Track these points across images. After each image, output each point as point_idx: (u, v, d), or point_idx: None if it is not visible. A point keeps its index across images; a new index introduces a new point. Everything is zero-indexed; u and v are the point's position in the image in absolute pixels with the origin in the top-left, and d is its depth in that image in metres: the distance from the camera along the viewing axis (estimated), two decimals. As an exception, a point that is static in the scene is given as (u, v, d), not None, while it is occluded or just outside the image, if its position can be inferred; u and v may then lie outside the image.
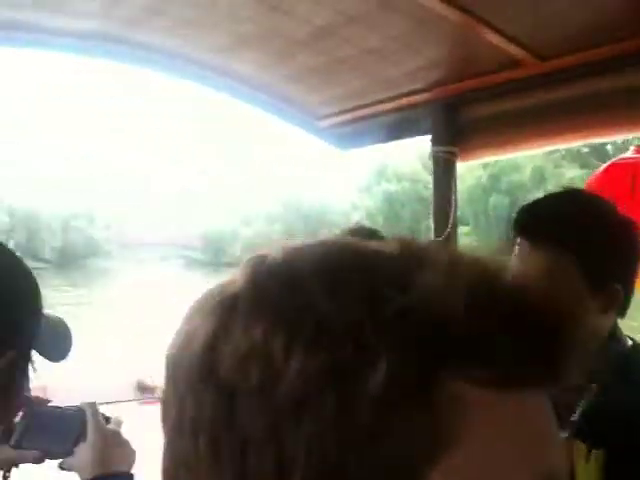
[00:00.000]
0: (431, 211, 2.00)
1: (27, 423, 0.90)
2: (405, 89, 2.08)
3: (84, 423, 0.92)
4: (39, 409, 0.92)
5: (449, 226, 1.91)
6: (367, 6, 1.74)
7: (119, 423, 0.97)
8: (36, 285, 0.75)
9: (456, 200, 1.95)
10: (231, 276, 0.38)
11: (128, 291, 31.06)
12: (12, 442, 0.85)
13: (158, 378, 2.94)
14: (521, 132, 1.94)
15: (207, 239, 64.08)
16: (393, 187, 50.23)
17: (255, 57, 2.13)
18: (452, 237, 1.93)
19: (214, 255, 61.97)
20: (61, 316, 1.04)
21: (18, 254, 0.79)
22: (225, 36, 2.05)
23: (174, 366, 0.37)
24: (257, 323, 0.33)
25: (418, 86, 2.04)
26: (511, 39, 1.78)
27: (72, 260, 51.43)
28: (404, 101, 2.11)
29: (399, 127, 2.26)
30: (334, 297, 0.33)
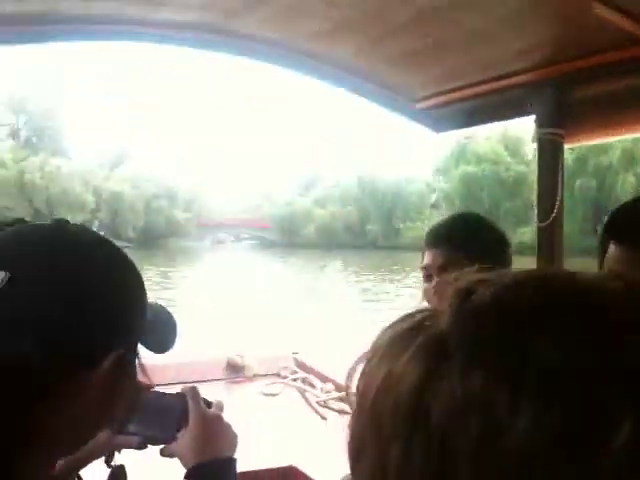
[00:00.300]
0: (535, 195, 1.95)
1: (130, 408, 0.87)
2: (509, 69, 2.03)
3: (186, 408, 0.91)
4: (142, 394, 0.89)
5: (554, 211, 1.86)
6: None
7: (221, 407, 0.96)
8: (141, 279, 0.73)
9: (563, 184, 1.90)
10: (423, 308, 0.37)
11: (207, 270, 32.10)
12: (115, 427, 0.84)
13: (248, 357, 3.05)
14: (633, 114, 1.86)
15: (281, 220, 65.00)
16: (472, 169, 49.05)
17: (353, 42, 2.13)
18: (558, 223, 1.88)
19: (287, 236, 62.86)
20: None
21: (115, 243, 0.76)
22: (323, 22, 2.06)
23: (375, 405, 0.35)
24: (475, 371, 0.31)
25: (523, 66, 1.99)
26: (626, 14, 1.70)
27: (153, 240, 53.54)
28: (507, 82, 2.06)
29: (500, 108, 2.22)
30: (560, 343, 0.31)
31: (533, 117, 2.04)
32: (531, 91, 2.02)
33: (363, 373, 0.37)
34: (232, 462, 0.90)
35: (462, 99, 2.26)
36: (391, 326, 0.36)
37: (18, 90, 64.10)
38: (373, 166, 66.35)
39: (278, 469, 1.96)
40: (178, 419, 0.91)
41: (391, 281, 22.51)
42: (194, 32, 2.16)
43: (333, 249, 50.49)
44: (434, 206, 62.96)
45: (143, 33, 2.17)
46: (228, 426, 0.94)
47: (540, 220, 1.90)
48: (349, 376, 2.65)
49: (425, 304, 1.56)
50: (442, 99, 2.32)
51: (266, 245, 63.22)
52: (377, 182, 64.95)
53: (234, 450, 0.92)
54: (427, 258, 1.54)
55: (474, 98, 2.23)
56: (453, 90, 2.25)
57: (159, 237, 55.06)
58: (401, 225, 60.49)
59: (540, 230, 1.90)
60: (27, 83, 62.96)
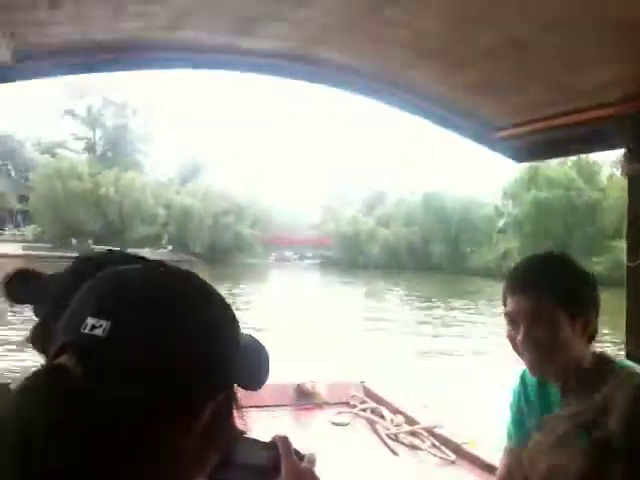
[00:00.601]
0: (624, 231, 1.87)
1: (221, 455, 0.83)
2: (597, 101, 1.97)
3: (277, 459, 0.89)
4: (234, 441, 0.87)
5: (646, 249, 1.77)
6: (564, 13, 1.66)
7: (313, 461, 0.93)
8: (236, 319, 0.71)
9: (655, 221, 1.80)
10: None
11: (271, 290, 32.48)
12: (206, 476, 0.81)
13: (317, 385, 3.04)
14: None
15: (344, 239, 65.03)
16: (543, 194, 47.60)
17: (434, 70, 2.13)
18: (649, 262, 1.79)
19: (350, 256, 62.77)
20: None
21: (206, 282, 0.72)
22: (405, 51, 2.07)
23: None
24: None
25: (612, 97, 1.93)
26: None
27: (220, 255, 54.67)
28: (594, 113, 2.00)
29: (586, 141, 2.15)
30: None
31: (621, 151, 1.97)
32: (621, 124, 1.95)
33: None
34: None
35: (546, 129, 2.21)
36: None
37: (95, 104, 67.44)
38: (439, 184, 65.29)
39: None
40: (269, 470, 0.89)
41: (461, 310, 21.71)
42: (276, 59, 2.21)
43: (396, 270, 49.98)
44: (502, 231, 61.47)
45: (228, 61, 2.25)
46: None
47: (630, 260, 1.81)
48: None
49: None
50: (524, 129, 2.28)
51: (329, 264, 63.38)
52: (443, 202, 64.02)
53: None
54: (513, 304, 1.45)
55: (558, 129, 2.17)
56: (536, 120, 2.21)
57: (225, 253, 56.20)
58: (467, 249, 59.28)
59: (630, 270, 1.81)
60: (103, 97, 65.96)
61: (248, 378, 0.76)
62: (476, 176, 52.77)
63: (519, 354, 1.47)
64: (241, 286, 28.82)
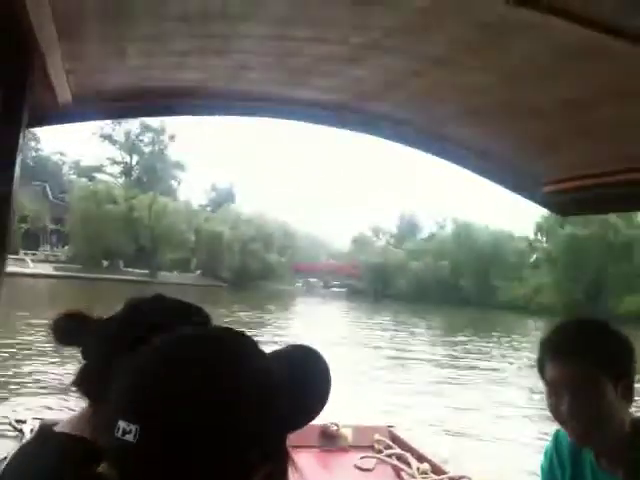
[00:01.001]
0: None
1: None
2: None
3: None
4: None
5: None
6: (619, 78, 1.69)
7: None
8: (270, 376, 0.68)
9: None
10: None
11: (299, 316, 32.45)
12: None
13: (343, 427, 3.03)
14: None
15: (373, 270, 64.82)
16: (579, 231, 46.94)
17: (483, 125, 2.17)
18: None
19: (379, 286, 62.47)
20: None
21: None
22: (454, 106, 2.12)
23: None
24: None
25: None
26: None
27: (247, 281, 54.98)
28: (642, 174, 2.01)
29: (631, 200, 2.16)
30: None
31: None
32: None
33: None
34: None
35: (593, 186, 2.22)
36: None
37: (133, 130, 69.20)
38: (470, 216, 64.80)
39: None
40: None
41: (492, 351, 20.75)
42: (326, 110, 2.28)
43: (423, 303, 49.45)
44: (534, 265, 60.53)
45: (280, 110, 2.33)
46: None
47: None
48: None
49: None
50: (571, 184, 2.29)
51: (355, 293, 63.10)
52: (474, 236, 63.48)
53: None
54: (555, 372, 1.43)
55: (606, 186, 2.18)
56: (584, 177, 2.22)
57: (253, 279, 56.51)
58: (498, 283, 58.47)
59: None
60: (141, 123, 67.59)
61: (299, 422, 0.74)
62: (509, 209, 52.07)
63: (561, 423, 1.44)
64: (258, 312, 28.76)
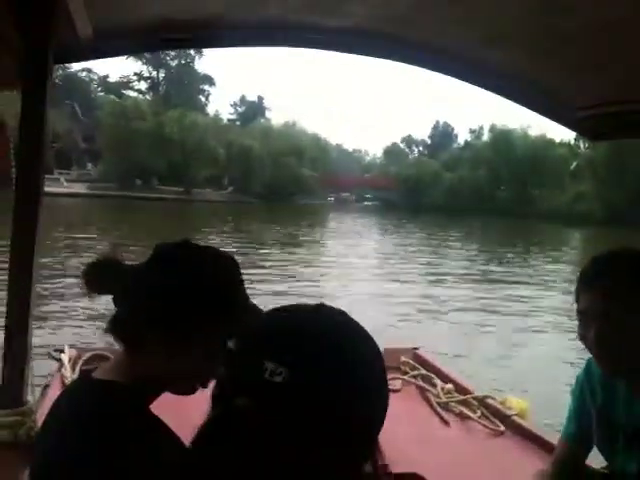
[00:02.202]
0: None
1: None
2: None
3: None
4: None
5: None
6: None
7: None
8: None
9: None
10: None
11: (331, 231, 32.73)
12: None
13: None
14: None
15: (406, 182, 64.12)
16: (624, 136, 45.14)
17: (514, 50, 2.12)
18: None
19: (412, 199, 62.01)
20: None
21: None
22: (489, 30, 2.07)
23: None
24: None
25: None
26: None
27: (279, 196, 55.18)
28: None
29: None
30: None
31: None
32: None
33: None
34: None
35: (627, 111, 2.18)
36: None
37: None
38: (509, 123, 62.67)
39: (403, 475, 1.97)
40: None
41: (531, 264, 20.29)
42: (357, 38, 2.24)
43: (459, 214, 49.08)
44: (574, 174, 59.09)
45: (309, 39, 2.29)
46: None
47: None
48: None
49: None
50: (604, 109, 2.25)
51: (389, 207, 62.95)
52: (513, 143, 61.80)
53: None
54: (585, 302, 1.47)
55: (636, 112, 2.14)
56: (618, 102, 2.18)
57: (285, 194, 56.68)
58: (536, 192, 57.45)
59: None
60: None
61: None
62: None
63: (590, 352, 1.49)
64: (292, 228, 28.85)
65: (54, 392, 2.37)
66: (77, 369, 2.67)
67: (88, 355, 2.78)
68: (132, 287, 1.10)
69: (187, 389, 1.15)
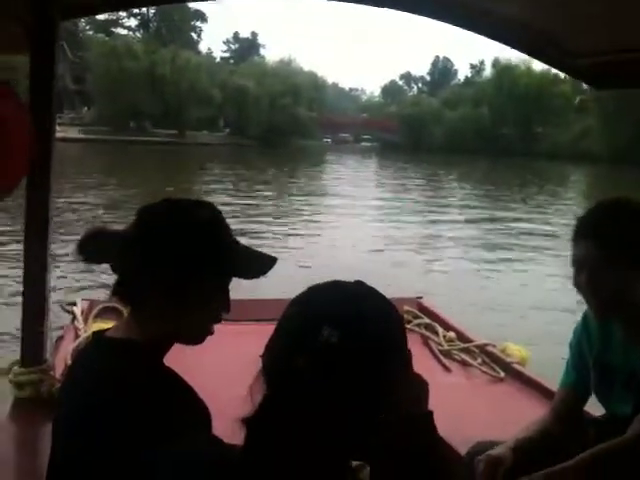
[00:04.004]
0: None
1: None
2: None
3: None
4: None
5: None
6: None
7: None
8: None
9: None
10: None
11: (329, 172, 32.53)
12: None
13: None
14: None
15: (406, 122, 63.09)
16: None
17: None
18: None
19: (413, 139, 61.18)
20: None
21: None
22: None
23: None
24: None
25: None
26: None
27: (276, 138, 54.48)
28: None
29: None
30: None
31: None
32: None
33: None
34: None
35: (629, 61, 2.19)
36: None
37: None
38: (511, 57, 61.07)
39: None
40: None
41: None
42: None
43: (461, 154, 48.61)
44: (580, 109, 58.22)
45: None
46: None
47: None
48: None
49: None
50: (607, 58, 2.26)
51: (388, 147, 62.27)
52: (517, 80, 60.53)
53: None
54: (578, 250, 1.54)
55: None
56: (620, 51, 2.18)
57: (282, 135, 55.97)
58: (541, 130, 56.71)
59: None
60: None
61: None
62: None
63: (584, 298, 1.58)
64: (288, 170, 28.51)
65: (67, 345, 2.47)
66: (89, 321, 2.76)
67: (100, 307, 2.85)
68: (125, 253, 1.17)
69: (197, 338, 1.22)
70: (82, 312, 2.87)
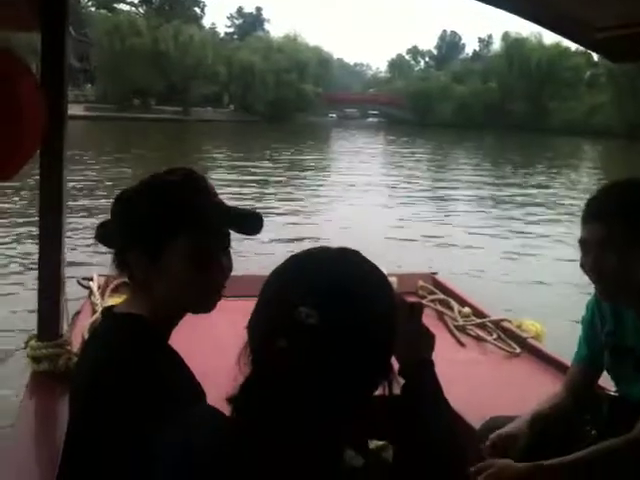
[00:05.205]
0: None
1: None
2: None
3: None
4: None
5: None
6: None
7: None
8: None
9: None
10: None
11: (336, 148, 32.30)
12: None
13: (388, 275, 3.17)
14: None
15: (413, 97, 62.46)
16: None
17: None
18: None
19: (420, 114, 60.63)
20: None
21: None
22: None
23: None
24: None
25: None
26: None
27: (282, 114, 54.16)
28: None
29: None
30: None
31: None
32: None
33: None
34: None
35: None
36: None
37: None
38: (521, 30, 60.16)
39: None
40: None
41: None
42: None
43: (470, 130, 48.18)
44: (591, 83, 57.51)
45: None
46: None
47: None
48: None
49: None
50: (624, 31, 2.23)
51: (394, 123, 61.67)
52: (527, 54, 59.67)
53: None
54: (585, 231, 1.54)
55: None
56: (635, 23, 2.16)
57: (287, 112, 55.63)
58: (552, 105, 56.02)
59: None
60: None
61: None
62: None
63: (590, 279, 1.57)
64: (293, 148, 28.36)
65: (84, 319, 2.51)
66: (106, 296, 2.79)
67: (116, 282, 2.86)
68: (120, 232, 1.20)
69: (203, 304, 1.22)
70: (98, 287, 2.90)
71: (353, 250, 0.88)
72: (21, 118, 1.62)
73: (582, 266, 1.57)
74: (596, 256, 1.51)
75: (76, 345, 2.07)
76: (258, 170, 18.54)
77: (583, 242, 1.55)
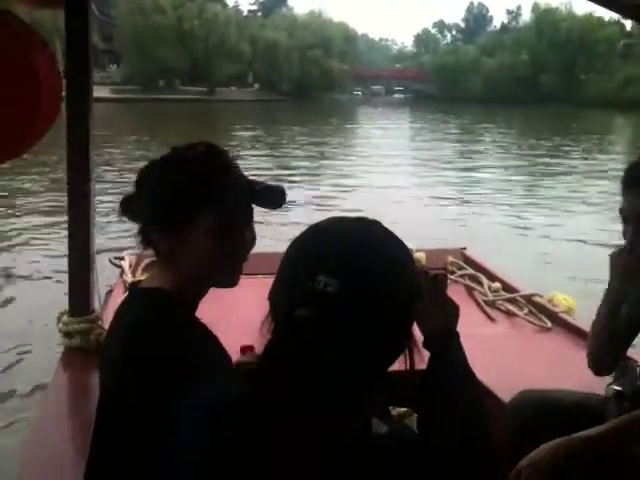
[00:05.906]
0: None
1: None
2: None
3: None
4: None
5: None
6: None
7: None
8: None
9: None
10: None
11: (363, 127, 32.03)
12: None
13: (416, 250, 2.99)
14: None
15: (441, 72, 61.46)
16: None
17: None
18: None
19: (448, 89, 59.65)
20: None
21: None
22: None
23: None
24: None
25: None
26: None
27: (308, 92, 53.75)
28: None
29: None
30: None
31: None
32: None
33: None
34: None
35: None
36: None
37: None
38: (552, 2, 58.68)
39: None
40: None
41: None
42: None
43: (500, 104, 47.25)
44: (624, 55, 55.93)
45: None
46: None
47: None
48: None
49: None
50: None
51: (421, 98, 60.76)
52: (558, 24, 58.20)
53: None
54: (626, 201, 1.51)
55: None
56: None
57: (313, 89, 55.22)
58: (584, 77, 54.66)
59: None
60: None
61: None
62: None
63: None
64: (321, 127, 28.23)
65: (117, 297, 2.55)
66: (137, 274, 2.83)
67: (147, 261, 2.89)
68: (144, 207, 1.20)
69: (228, 278, 1.23)
70: (130, 266, 2.94)
71: (372, 219, 0.87)
72: (39, 90, 1.63)
73: (624, 235, 1.54)
74: (637, 226, 1.49)
75: (108, 322, 2.11)
76: (292, 152, 18.39)
77: (623, 211, 1.53)
